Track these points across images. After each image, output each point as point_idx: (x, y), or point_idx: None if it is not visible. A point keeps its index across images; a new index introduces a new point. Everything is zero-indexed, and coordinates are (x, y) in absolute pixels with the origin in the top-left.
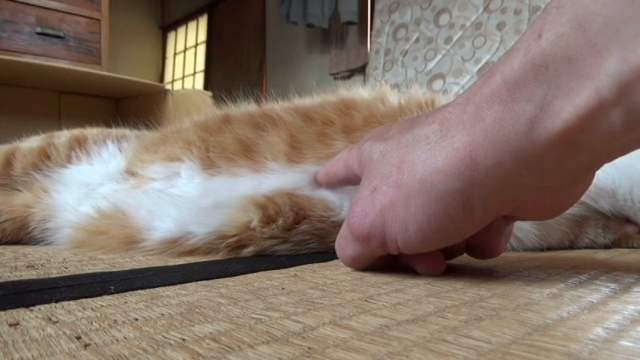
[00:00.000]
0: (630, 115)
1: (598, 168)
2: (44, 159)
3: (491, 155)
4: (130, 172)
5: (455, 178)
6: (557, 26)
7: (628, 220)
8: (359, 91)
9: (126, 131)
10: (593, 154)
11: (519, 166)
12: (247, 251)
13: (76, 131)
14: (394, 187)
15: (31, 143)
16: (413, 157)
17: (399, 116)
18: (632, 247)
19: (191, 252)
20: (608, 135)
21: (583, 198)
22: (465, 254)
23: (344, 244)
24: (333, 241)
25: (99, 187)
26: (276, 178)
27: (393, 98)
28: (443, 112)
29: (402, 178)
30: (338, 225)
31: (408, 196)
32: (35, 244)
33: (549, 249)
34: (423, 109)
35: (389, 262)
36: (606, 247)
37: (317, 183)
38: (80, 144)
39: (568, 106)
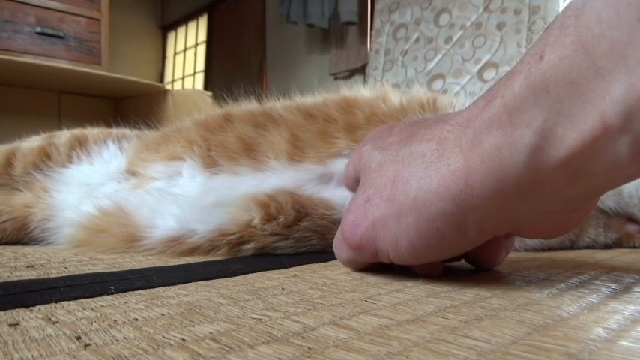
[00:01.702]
0: (637, 143)
1: (600, 195)
2: (45, 159)
3: (487, 182)
4: (131, 172)
5: (449, 201)
6: (560, 48)
7: (629, 220)
8: (361, 90)
9: (126, 131)
10: (597, 182)
11: (517, 194)
12: (248, 247)
13: (77, 131)
14: (387, 202)
15: (32, 143)
16: (408, 174)
17: (400, 115)
18: (634, 247)
19: (192, 250)
20: (613, 164)
21: None
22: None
23: (339, 247)
24: (333, 238)
25: (100, 187)
26: (277, 177)
27: (395, 97)
28: (442, 129)
29: (395, 193)
30: (339, 222)
31: (401, 213)
32: (35, 244)
33: (550, 249)
34: (425, 108)
35: (386, 263)
36: (607, 246)
37: (342, 184)
38: (81, 144)
39: (571, 133)
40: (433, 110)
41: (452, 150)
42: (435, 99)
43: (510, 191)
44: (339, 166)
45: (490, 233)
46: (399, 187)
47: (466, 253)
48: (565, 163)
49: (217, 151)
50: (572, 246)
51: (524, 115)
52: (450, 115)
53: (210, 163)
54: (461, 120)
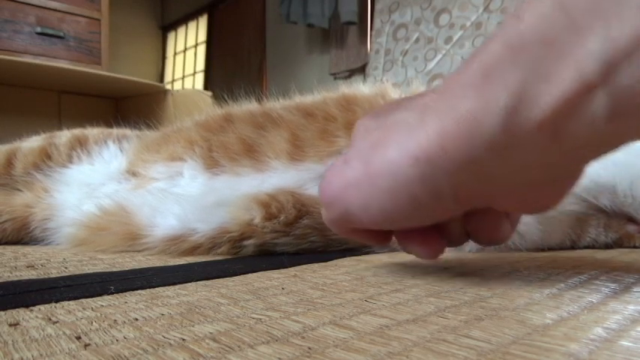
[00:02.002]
0: (615, 99)
1: (581, 166)
2: (45, 159)
3: (462, 146)
4: (132, 172)
5: (424, 164)
6: (538, 7)
7: (630, 220)
8: (360, 88)
9: (127, 131)
10: (575, 146)
11: (493, 159)
12: (249, 244)
13: (77, 131)
14: (364, 164)
15: (32, 143)
16: (388, 139)
17: None
18: (634, 247)
19: (194, 248)
20: (591, 123)
21: (584, 195)
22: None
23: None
24: (334, 235)
25: (100, 187)
26: (278, 177)
27: (395, 94)
28: (425, 97)
29: (373, 157)
30: None
31: (376, 175)
32: (36, 244)
33: (550, 249)
34: None
35: (379, 238)
36: (608, 246)
37: None
38: (81, 144)
39: (548, 92)
40: None
41: (431, 115)
42: None
43: (485, 155)
44: None
45: (468, 203)
46: (378, 150)
47: (466, 229)
48: (542, 124)
49: (219, 151)
50: (574, 246)
51: (500, 77)
52: (438, 84)
53: (212, 164)
54: (441, 87)
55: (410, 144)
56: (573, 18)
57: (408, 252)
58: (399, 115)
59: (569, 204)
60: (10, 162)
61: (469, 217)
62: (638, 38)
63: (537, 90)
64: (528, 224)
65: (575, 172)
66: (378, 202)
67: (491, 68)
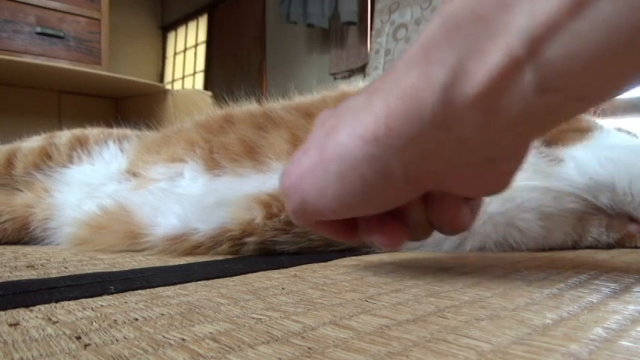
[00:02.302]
0: (542, 73)
1: (522, 143)
2: (45, 159)
3: (406, 122)
4: (132, 173)
5: (371, 144)
6: None
7: (631, 219)
8: (359, 85)
9: (127, 131)
10: (511, 121)
11: (436, 135)
12: (249, 241)
13: (77, 131)
14: (318, 151)
15: (32, 143)
16: (339, 125)
17: None
18: (636, 247)
19: (195, 247)
20: (522, 98)
21: (583, 193)
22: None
23: None
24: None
25: (101, 187)
26: None
27: None
28: (376, 81)
29: (325, 143)
30: None
31: (328, 160)
32: (36, 244)
33: (551, 249)
34: None
35: (344, 230)
36: (610, 246)
37: None
38: (81, 144)
39: (481, 68)
40: None
41: (378, 95)
42: None
43: (429, 132)
44: None
45: (420, 183)
46: (330, 136)
47: (430, 218)
48: (477, 99)
49: (220, 152)
50: (575, 246)
51: (438, 53)
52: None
53: (213, 165)
54: (389, 68)
55: (358, 126)
56: None
57: (371, 243)
58: (351, 101)
59: (569, 202)
60: (10, 162)
61: (428, 204)
62: (560, 14)
63: (471, 66)
64: (528, 220)
65: (518, 151)
66: (331, 188)
67: (430, 47)
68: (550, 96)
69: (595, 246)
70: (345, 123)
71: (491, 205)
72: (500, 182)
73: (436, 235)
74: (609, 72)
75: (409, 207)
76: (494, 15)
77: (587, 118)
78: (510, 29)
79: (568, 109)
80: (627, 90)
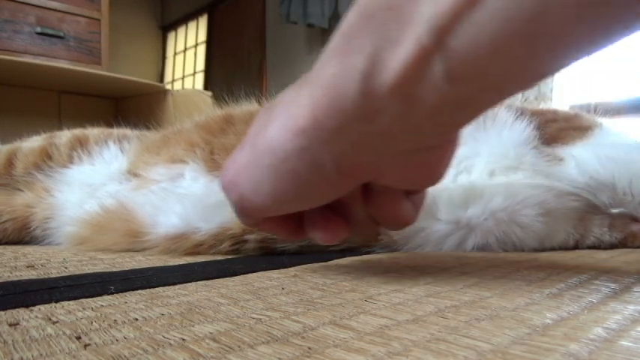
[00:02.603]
0: (450, 63)
1: (448, 133)
2: (46, 159)
3: (331, 112)
4: (133, 174)
5: (300, 136)
6: None
7: (634, 219)
8: None
9: (127, 131)
10: (429, 110)
11: (360, 125)
12: (250, 239)
13: (78, 131)
14: (251, 147)
15: (33, 143)
16: (271, 119)
17: None
18: (639, 247)
19: (196, 246)
20: (435, 87)
21: (583, 193)
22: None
23: None
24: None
25: (101, 187)
26: None
27: None
28: (306, 75)
29: (257, 138)
30: None
31: (260, 155)
32: (36, 244)
33: (552, 249)
34: None
35: (289, 228)
36: (612, 246)
37: None
38: (82, 144)
39: (395, 57)
40: None
41: (304, 87)
42: None
43: (353, 122)
44: None
45: (352, 175)
46: (261, 131)
47: (372, 213)
48: (394, 88)
49: (220, 154)
50: (577, 246)
51: (356, 42)
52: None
53: (214, 166)
54: (318, 59)
55: (287, 119)
56: None
57: (312, 239)
58: (283, 95)
59: (570, 201)
60: (10, 162)
61: (369, 199)
62: (459, 4)
63: (386, 56)
64: (530, 216)
65: (444, 140)
66: (265, 184)
67: (349, 36)
68: (461, 86)
69: (598, 246)
70: (275, 117)
71: (493, 200)
72: (433, 173)
73: (437, 233)
74: (513, 62)
75: (350, 202)
76: (404, 4)
77: (587, 115)
78: (418, 19)
79: (483, 99)
80: (540, 81)
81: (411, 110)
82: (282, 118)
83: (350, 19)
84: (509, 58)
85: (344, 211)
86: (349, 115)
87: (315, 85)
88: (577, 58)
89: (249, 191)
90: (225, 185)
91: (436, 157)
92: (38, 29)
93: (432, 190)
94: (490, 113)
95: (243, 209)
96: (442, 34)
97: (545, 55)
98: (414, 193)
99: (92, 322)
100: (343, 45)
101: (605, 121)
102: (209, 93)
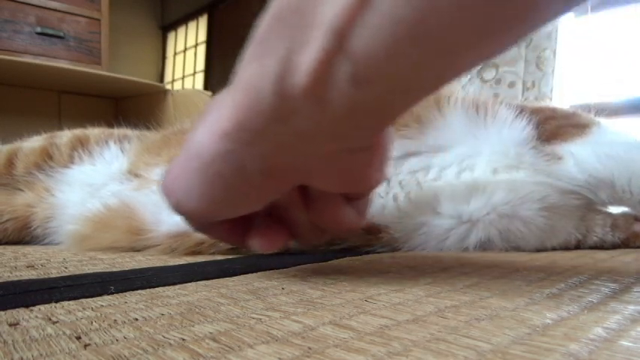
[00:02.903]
0: (354, 66)
1: (368, 136)
2: (46, 158)
3: (251, 115)
4: (134, 174)
5: (224, 139)
6: None
7: (637, 219)
8: None
9: (128, 131)
10: (342, 112)
11: (280, 127)
12: None
13: (78, 131)
14: (185, 152)
15: (33, 143)
16: (201, 122)
17: None
18: None
19: (198, 244)
20: (342, 90)
21: (583, 191)
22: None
23: None
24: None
25: (102, 187)
26: None
27: None
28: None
29: (188, 144)
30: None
31: (190, 159)
32: (36, 244)
33: (553, 249)
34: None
35: (232, 233)
36: (615, 246)
37: None
38: (82, 144)
39: (304, 59)
40: (435, 98)
41: (231, 90)
42: None
43: (271, 123)
44: None
45: (279, 178)
46: (192, 137)
47: (313, 219)
48: (305, 91)
49: None
50: (580, 245)
51: (270, 45)
52: None
53: None
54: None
55: (213, 122)
56: None
57: (251, 247)
58: (215, 99)
59: (570, 199)
60: (11, 162)
61: (309, 205)
62: (352, 7)
63: (297, 58)
64: (532, 210)
65: (366, 142)
66: (196, 188)
67: (264, 38)
68: (367, 89)
69: (600, 246)
70: (205, 120)
71: (496, 195)
72: (363, 176)
73: (439, 229)
74: (411, 65)
75: (291, 209)
76: (309, 7)
77: (586, 114)
78: (320, 22)
79: (392, 102)
80: (448, 83)
81: (324, 112)
82: (209, 121)
83: (264, 22)
84: (406, 60)
85: (287, 218)
86: (267, 117)
87: (236, 88)
88: (478, 62)
89: (184, 196)
90: (163, 190)
91: (363, 159)
92: (38, 29)
93: (433, 186)
94: (490, 111)
95: (182, 214)
96: (341, 37)
97: (440, 58)
98: (355, 199)
99: (92, 322)
100: (259, 48)
101: (604, 120)
102: (209, 93)
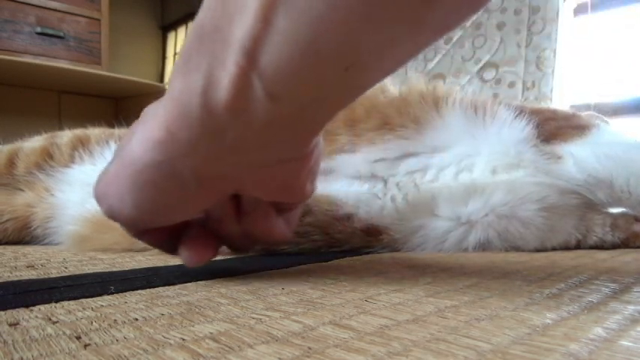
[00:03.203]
0: (266, 82)
1: (294, 148)
2: (47, 158)
3: (182, 127)
4: None
5: (156, 150)
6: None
7: (636, 219)
8: None
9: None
10: (262, 126)
11: (208, 138)
12: None
13: (79, 131)
14: (118, 158)
15: (34, 143)
16: (136, 131)
17: (401, 105)
18: None
19: None
20: (261, 105)
21: (582, 191)
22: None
23: None
24: (336, 234)
25: None
26: None
27: (393, 88)
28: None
29: (122, 151)
30: (341, 218)
31: (123, 167)
32: (36, 244)
33: (554, 249)
34: (425, 97)
35: (165, 241)
36: (615, 246)
37: None
38: (83, 144)
39: (224, 75)
40: (433, 98)
41: (163, 101)
42: (435, 87)
43: (201, 135)
44: (341, 162)
45: (213, 187)
46: (126, 144)
47: (245, 230)
48: (227, 105)
49: None
50: (579, 245)
51: (194, 61)
52: None
53: None
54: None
55: (146, 131)
56: (225, 6)
57: (179, 257)
58: (147, 109)
59: (570, 198)
60: (11, 162)
61: (241, 215)
62: (257, 27)
63: (217, 74)
64: (531, 210)
65: (294, 154)
66: (129, 195)
67: (189, 54)
68: (282, 104)
69: (600, 246)
70: (139, 129)
71: (495, 196)
72: (293, 186)
73: (437, 230)
74: (317, 81)
75: (223, 219)
76: (224, 25)
77: (585, 114)
78: (235, 39)
79: (310, 117)
80: (358, 96)
81: (248, 125)
82: (143, 130)
83: (189, 37)
84: (311, 76)
85: (220, 229)
86: (196, 129)
87: (168, 99)
88: (384, 75)
89: (117, 202)
90: (96, 195)
91: (293, 170)
92: (38, 29)
93: (431, 187)
94: (489, 111)
95: (115, 220)
96: (251, 55)
97: (343, 73)
98: (285, 211)
99: (92, 322)
100: (185, 62)
101: (603, 121)
102: None
